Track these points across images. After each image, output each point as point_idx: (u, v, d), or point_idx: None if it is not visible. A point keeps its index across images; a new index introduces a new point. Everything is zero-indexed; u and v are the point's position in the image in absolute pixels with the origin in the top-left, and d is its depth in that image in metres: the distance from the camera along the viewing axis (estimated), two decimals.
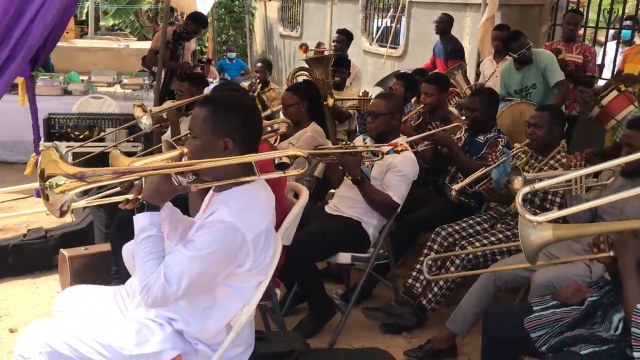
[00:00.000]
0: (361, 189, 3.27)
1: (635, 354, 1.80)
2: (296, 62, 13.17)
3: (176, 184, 1.93)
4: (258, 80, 6.28)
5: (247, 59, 12.86)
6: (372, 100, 3.66)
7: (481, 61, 6.46)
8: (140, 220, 1.87)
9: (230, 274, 1.90)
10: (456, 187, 3.38)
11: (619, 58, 6.71)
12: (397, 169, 3.32)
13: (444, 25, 6.85)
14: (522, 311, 2.32)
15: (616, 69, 5.90)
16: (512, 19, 6.97)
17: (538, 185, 1.96)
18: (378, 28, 10.60)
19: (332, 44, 6.73)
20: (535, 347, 2.15)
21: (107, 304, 2.08)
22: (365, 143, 3.53)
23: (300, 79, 5.65)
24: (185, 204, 2.42)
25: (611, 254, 1.95)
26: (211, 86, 5.88)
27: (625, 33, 7.20)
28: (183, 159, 2.05)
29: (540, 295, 2.47)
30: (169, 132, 4.18)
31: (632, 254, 1.91)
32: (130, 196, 1.98)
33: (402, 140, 3.48)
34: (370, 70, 9.49)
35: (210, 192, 2.10)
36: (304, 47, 6.31)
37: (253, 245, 1.88)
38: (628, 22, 7.29)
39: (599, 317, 2.10)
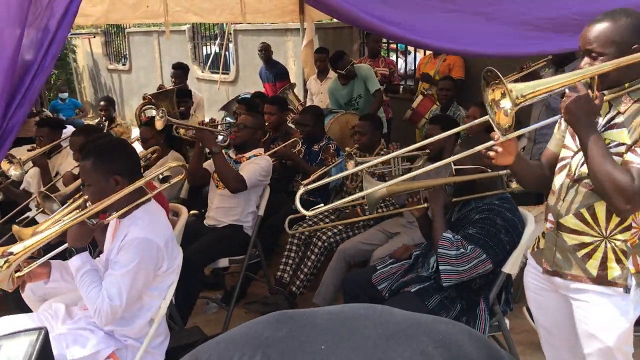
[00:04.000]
0: (216, 159, 3.65)
1: (440, 267, 2.60)
2: (126, 94, 13.17)
3: (91, 225, 2.31)
4: (104, 118, 6.46)
5: (77, 96, 12.60)
6: (241, 115, 4.20)
7: (307, 80, 7.25)
8: (74, 262, 2.25)
9: (153, 277, 2.35)
10: (305, 182, 3.99)
11: (411, 67, 8.02)
12: (255, 161, 3.86)
13: (265, 54, 7.58)
14: (369, 272, 3.04)
15: (416, 76, 7.09)
16: (328, 40, 7.87)
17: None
18: (207, 55, 10.95)
19: (171, 79, 7.08)
20: (382, 295, 2.87)
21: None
22: (228, 154, 4.04)
23: (148, 112, 6.01)
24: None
25: (425, 205, 2.76)
26: (69, 128, 5.99)
27: (401, 46, 8.50)
28: (87, 204, 2.42)
29: (380, 258, 3.22)
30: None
31: (440, 201, 2.73)
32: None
33: (260, 150, 4.07)
34: (206, 97, 9.88)
35: (114, 220, 2.49)
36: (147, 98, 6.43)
37: (165, 249, 2.35)
38: None
39: (420, 263, 2.90)
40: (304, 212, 2.18)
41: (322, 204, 2.81)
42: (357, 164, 3.68)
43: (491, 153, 2.00)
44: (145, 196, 2.40)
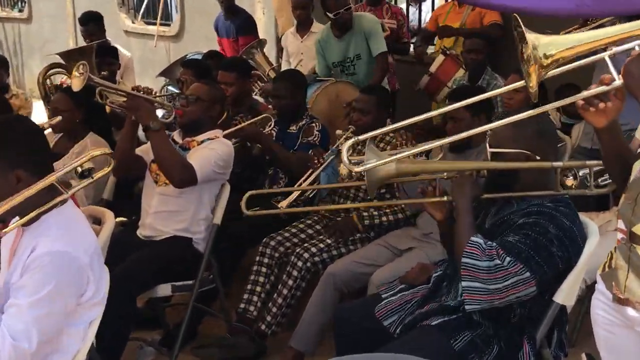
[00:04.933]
0: (155, 139, 3.67)
1: (463, 283, 2.62)
2: (25, 53, 13.06)
3: None
4: None
5: None
6: (192, 85, 4.21)
7: (282, 35, 7.22)
8: None
9: (74, 308, 2.34)
10: (284, 203, 3.95)
11: (425, 19, 8.07)
12: (211, 148, 3.87)
13: None
14: (372, 302, 3.06)
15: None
16: None
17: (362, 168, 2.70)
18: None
19: (83, 37, 6.99)
20: (390, 334, 2.90)
21: None
22: (172, 138, 4.05)
23: (56, 79, 5.98)
24: None
25: (444, 199, 2.80)
26: None
27: None
28: None
29: (387, 283, 3.25)
30: None
31: (468, 194, 2.76)
32: None
33: (218, 132, 4.09)
34: (138, 57, 9.81)
35: (15, 231, 2.47)
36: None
37: (91, 268, 2.36)
38: None
39: (445, 288, 2.92)
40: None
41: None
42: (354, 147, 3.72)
43: (600, 104, 2.06)
44: (59, 196, 2.40)
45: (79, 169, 2.55)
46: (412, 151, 2.91)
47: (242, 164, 4.66)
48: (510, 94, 4.41)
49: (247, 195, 3.47)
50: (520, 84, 2.21)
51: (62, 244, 2.30)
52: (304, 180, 4.16)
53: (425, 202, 2.94)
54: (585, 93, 2.10)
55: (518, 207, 2.75)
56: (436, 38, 6.80)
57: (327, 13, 5.89)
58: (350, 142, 2.47)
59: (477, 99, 2.60)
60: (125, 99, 3.83)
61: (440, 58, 6.08)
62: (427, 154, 4.22)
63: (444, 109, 2.90)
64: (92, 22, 6.86)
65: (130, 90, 3.99)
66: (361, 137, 2.57)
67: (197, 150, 3.88)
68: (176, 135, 4.10)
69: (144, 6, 10.70)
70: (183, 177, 3.69)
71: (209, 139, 3.97)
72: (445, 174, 2.91)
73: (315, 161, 4.30)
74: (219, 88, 4.33)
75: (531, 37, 1.91)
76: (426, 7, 8.52)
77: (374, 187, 2.77)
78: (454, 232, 2.78)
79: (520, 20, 1.96)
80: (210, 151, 3.85)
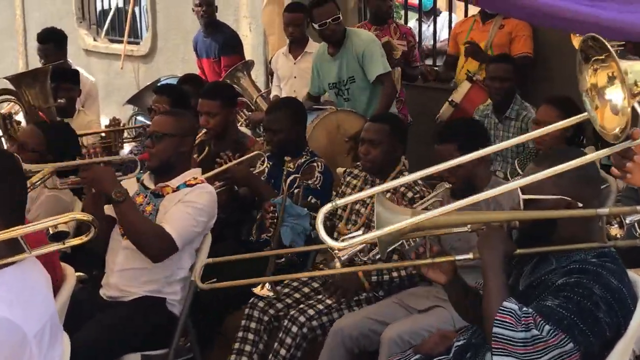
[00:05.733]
0: (121, 211, 3.70)
1: (495, 358, 2.60)
2: None
3: None
4: None
5: None
6: (154, 119, 4.22)
7: (272, 56, 7.26)
8: None
9: None
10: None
11: (441, 36, 8.13)
12: (187, 200, 3.86)
13: (204, 11, 7.61)
14: None
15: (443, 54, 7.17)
16: None
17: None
18: (104, 12, 10.92)
19: (39, 58, 7.04)
20: None
21: None
22: (142, 182, 4.06)
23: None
24: None
25: (453, 258, 2.79)
26: None
27: (427, 2, 8.65)
28: None
29: (400, 352, 3.25)
30: None
31: (499, 249, 2.74)
32: None
33: (196, 173, 4.09)
34: (101, 81, 9.83)
35: None
36: None
37: (37, 342, 2.33)
38: None
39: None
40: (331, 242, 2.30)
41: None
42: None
43: (629, 164, 2.07)
44: (19, 254, 2.40)
45: (51, 230, 2.57)
46: (436, 212, 2.61)
47: (228, 208, 4.69)
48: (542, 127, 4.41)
49: (202, 264, 3.51)
50: (573, 119, 2.19)
51: (8, 309, 2.28)
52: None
53: (421, 266, 2.91)
54: (605, 151, 2.11)
55: (557, 264, 2.75)
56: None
57: (312, 24, 6.02)
58: (326, 207, 2.34)
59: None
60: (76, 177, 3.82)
61: (466, 85, 6.10)
62: None
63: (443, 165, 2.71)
64: (51, 43, 6.93)
65: (88, 147, 3.96)
66: (340, 202, 2.54)
67: (172, 205, 3.88)
68: (146, 178, 4.11)
69: (108, 21, 10.74)
70: (160, 250, 3.73)
71: (186, 183, 3.97)
72: (469, 226, 2.88)
73: (268, 218, 4.29)
74: (188, 116, 4.33)
75: (624, 63, 1.86)
76: (441, 21, 8.57)
77: (385, 246, 2.76)
78: (471, 297, 2.77)
79: (607, 44, 1.92)
80: (189, 207, 3.84)
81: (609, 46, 1.89)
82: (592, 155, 2.25)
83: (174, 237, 3.72)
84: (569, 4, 3.82)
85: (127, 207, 3.71)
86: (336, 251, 3.52)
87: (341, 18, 6.04)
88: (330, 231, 4.39)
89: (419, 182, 4.18)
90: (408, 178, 3.29)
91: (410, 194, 4.16)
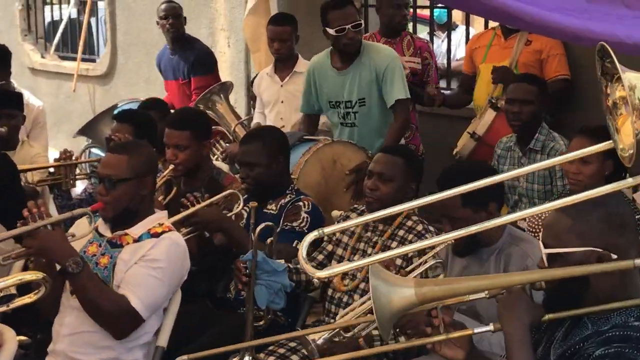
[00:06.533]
0: (77, 283, 3.70)
1: None
2: None
3: None
4: None
5: None
6: (103, 159, 4.20)
7: (254, 76, 7.33)
8: None
9: None
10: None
11: (457, 54, 8.14)
12: (151, 258, 3.85)
13: (171, 23, 7.66)
14: None
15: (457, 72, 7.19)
16: (297, 2, 7.99)
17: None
18: (53, 24, 11.00)
19: None
20: None
21: None
22: (96, 229, 4.05)
23: None
24: None
25: (470, 331, 2.78)
26: None
27: (441, 14, 8.73)
28: None
29: None
30: None
31: (523, 317, 2.73)
32: None
33: (162, 217, 4.10)
34: (49, 104, 9.80)
35: None
36: None
37: None
38: None
39: None
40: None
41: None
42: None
43: None
44: None
45: None
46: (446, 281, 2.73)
47: (200, 259, 4.68)
48: (576, 165, 4.39)
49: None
50: (589, 149, 2.20)
51: None
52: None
53: (435, 345, 2.86)
54: None
55: (594, 327, 2.73)
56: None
57: (326, 29, 5.95)
58: (312, 235, 2.41)
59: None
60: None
61: (490, 114, 6.08)
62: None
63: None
64: None
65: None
66: (327, 230, 2.55)
67: (133, 261, 3.88)
68: (101, 224, 4.09)
69: (58, 35, 10.76)
70: (124, 326, 3.77)
71: (150, 232, 3.96)
72: (486, 292, 2.83)
73: (240, 277, 4.20)
74: (144, 148, 4.30)
75: (628, 74, 1.91)
76: (457, 37, 8.62)
77: (387, 327, 2.74)
78: None
79: (612, 53, 1.96)
80: (155, 270, 3.85)
81: (618, 65, 1.92)
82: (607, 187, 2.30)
83: (139, 310, 3.74)
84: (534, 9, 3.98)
85: (84, 280, 3.70)
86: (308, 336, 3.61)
87: (362, 25, 6.06)
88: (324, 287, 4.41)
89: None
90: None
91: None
